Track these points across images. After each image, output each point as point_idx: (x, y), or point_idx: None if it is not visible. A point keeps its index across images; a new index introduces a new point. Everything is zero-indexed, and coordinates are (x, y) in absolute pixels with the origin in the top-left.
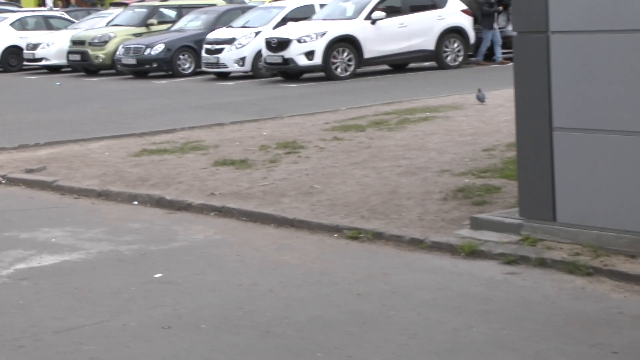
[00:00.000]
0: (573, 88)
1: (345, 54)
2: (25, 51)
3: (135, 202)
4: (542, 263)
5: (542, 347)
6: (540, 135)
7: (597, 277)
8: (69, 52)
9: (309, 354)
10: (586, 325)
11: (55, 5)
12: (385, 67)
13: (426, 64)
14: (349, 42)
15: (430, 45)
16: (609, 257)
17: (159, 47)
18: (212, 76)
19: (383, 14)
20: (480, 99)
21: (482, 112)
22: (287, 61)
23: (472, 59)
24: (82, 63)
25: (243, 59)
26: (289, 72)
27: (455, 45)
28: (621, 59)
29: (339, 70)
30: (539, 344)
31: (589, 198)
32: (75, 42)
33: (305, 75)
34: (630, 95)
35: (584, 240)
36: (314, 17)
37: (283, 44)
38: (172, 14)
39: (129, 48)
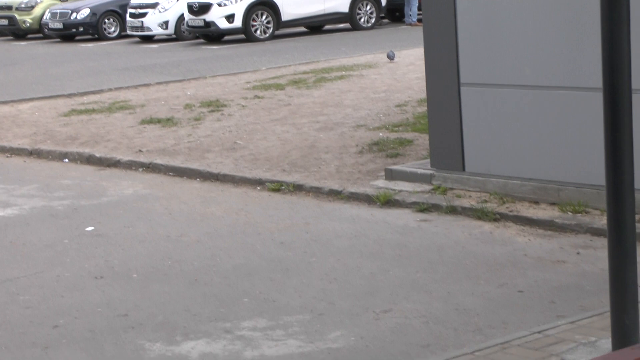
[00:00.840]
0: (478, 46)
1: (264, 17)
2: None
3: (66, 160)
4: (452, 210)
5: (454, 288)
6: (448, 91)
7: (504, 223)
8: None
9: (235, 300)
10: (494, 267)
11: None
12: (302, 29)
13: (341, 25)
14: (267, 6)
15: (345, 8)
16: (514, 204)
17: (85, 12)
18: (137, 39)
19: None
20: (390, 57)
21: (395, 71)
22: (208, 24)
23: (385, 20)
24: (10, 28)
25: (166, 23)
26: (211, 35)
27: (368, 7)
28: (522, 19)
29: (258, 32)
30: (450, 285)
31: (495, 149)
32: (2, 8)
33: (226, 38)
34: (530, 52)
35: (491, 188)
36: None
37: (204, 7)
38: None
39: (56, 13)
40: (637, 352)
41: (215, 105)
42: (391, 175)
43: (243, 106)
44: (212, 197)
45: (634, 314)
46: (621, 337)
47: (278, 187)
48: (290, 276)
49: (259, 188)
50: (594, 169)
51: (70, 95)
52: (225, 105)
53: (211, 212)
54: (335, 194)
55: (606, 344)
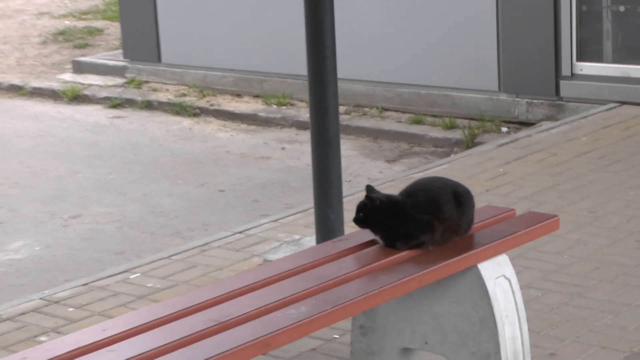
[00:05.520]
0: None
1: None
2: None
3: None
4: (148, 105)
5: (150, 189)
6: None
7: (204, 117)
8: None
9: None
10: (193, 165)
11: None
12: None
13: None
14: None
15: None
16: (215, 97)
17: None
18: None
19: None
20: None
21: None
22: None
23: None
24: None
25: None
26: None
27: None
28: None
29: None
30: (146, 186)
31: (194, 38)
32: None
33: None
34: None
35: (190, 81)
36: None
37: None
38: None
39: None
40: (337, 244)
41: None
42: (79, 67)
43: None
44: None
45: (339, 208)
46: (326, 233)
47: None
48: None
49: None
50: (297, 58)
51: None
52: None
53: None
54: (16, 90)
55: (310, 241)
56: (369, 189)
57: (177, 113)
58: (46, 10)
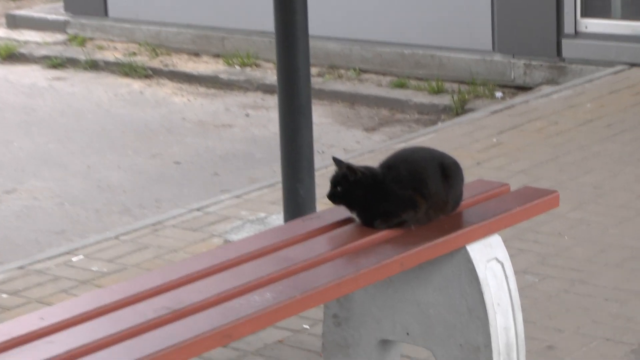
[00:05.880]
0: None
1: None
2: None
3: None
4: (93, 66)
5: (95, 160)
6: None
7: (157, 80)
8: None
9: None
10: (145, 134)
11: None
12: None
13: None
14: None
15: None
16: (169, 56)
17: None
18: None
19: None
20: None
21: None
22: None
23: None
24: None
25: None
26: None
27: None
28: None
29: None
30: (91, 158)
31: None
32: None
33: None
34: None
35: (141, 38)
36: None
37: None
38: None
39: None
40: (308, 223)
41: None
42: (14, 22)
43: None
44: None
45: (310, 182)
46: (295, 210)
47: None
48: None
49: None
50: (263, 12)
51: None
52: None
53: None
54: None
55: (277, 219)
56: (337, 161)
57: (126, 74)
58: None
